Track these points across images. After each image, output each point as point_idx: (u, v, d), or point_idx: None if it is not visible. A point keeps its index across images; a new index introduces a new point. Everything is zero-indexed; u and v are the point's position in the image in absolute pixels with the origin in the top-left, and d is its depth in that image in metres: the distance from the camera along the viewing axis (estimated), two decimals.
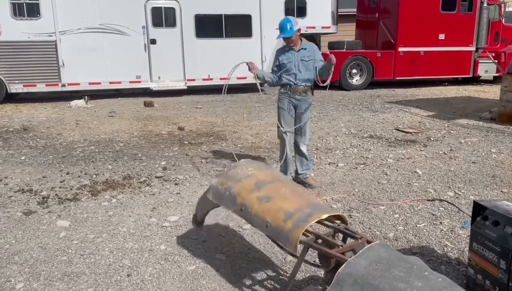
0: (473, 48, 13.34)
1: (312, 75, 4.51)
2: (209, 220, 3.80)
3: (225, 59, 11.53)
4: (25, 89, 10.56)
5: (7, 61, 10.24)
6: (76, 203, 4.25)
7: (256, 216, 2.47)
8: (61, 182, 4.86)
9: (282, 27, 4.37)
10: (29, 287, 2.82)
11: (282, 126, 4.60)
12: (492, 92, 12.10)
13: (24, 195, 4.46)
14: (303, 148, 4.67)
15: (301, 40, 4.55)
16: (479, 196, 4.33)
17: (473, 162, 5.47)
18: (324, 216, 2.34)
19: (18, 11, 10.18)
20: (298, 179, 4.72)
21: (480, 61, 13.51)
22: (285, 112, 4.58)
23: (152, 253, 3.27)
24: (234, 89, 12.21)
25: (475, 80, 14.44)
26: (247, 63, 4.47)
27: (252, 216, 2.49)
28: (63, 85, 10.74)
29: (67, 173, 5.15)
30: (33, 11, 10.29)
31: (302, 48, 4.49)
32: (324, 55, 4.78)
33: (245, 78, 12.01)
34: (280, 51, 4.55)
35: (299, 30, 4.40)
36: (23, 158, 5.83)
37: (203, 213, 3.19)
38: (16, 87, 10.42)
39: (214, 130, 7.49)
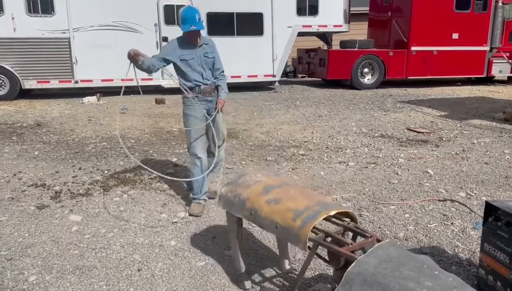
0: (487, 48, 13.18)
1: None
2: (219, 217, 3.82)
3: (236, 57, 11.56)
4: (39, 86, 10.70)
5: (21, 58, 10.38)
6: (88, 198, 4.30)
7: (265, 218, 2.48)
8: (73, 177, 4.92)
9: (191, 18, 3.68)
10: (41, 280, 2.86)
11: (196, 138, 3.92)
12: (506, 92, 11.95)
13: (37, 189, 4.53)
14: (222, 151, 4.19)
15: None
16: (492, 197, 4.29)
17: (485, 163, 5.41)
18: (333, 212, 2.34)
19: (32, 8, 10.30)
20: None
21: (494, 61, 13.34)
22: (197, 120, 3.90)
23: (163, 248, 3.30)
24: (245, 87, 12.24)
25: (489, 80, 14.26)
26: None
27: (261, 219, 2.51)
28: (76, 82, 10.86)
29: (80, 168, 5.22)
30: (47, 8, 10.41)
31: (204, 44, 3.89)
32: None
33: (256, 76, 12.15)
34: (179, 44, 3.83)
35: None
36: (36, 153, 5.91)
37: (237, 249, 2.82)
38: (30, 84, 10.56)
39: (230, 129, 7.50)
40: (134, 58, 3.69)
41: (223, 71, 4.07)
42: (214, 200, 4.14)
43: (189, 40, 3.83)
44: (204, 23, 11.41)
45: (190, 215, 3.90)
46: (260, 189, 2.66)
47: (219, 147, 4.13)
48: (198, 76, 3.86)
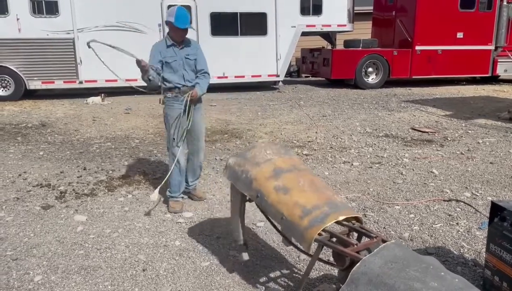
0: (492, 47, 13.10)
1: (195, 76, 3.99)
2: (223, 216, 3.82)
3: (240, 57, 11.58)
4: (44, 86, 10.73)
5: (26, 58, 10.42)
6: (92, 198, 4.31)
7: (272, 206, 2.43)
8: (78, 177, 4.93)
9: (186, 16, 3.77)
10: (47, 280, 2.87)
11: (174, 138, 3.93)
12: (511, 92, 11.87)
13: (43, 189, 4.54)
14: (202, 155, 4.18)
15: None
16: (497, 196, 4.26)
17: (491, 163, 5.38)
18: (341, 218, 2.31)
19: (37, 9, 10.34)
20: (186, 190, 4.23)
21: (499, 60, 13.27)
22: (177, 121, 3.91)
23: (167, 248, 3.30)
24: (248, 87, 12.24)
25: (494, 79, 14.18)
26: (138, 60, 3.76)
27: (268, 206, 2.46)
28: (81, 82, 10.89)
29: (84, 169, 5.23)
30: (52, 9, 10.45)
31: (185, 46, 3.92)
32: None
33: (259, 76, 12.14)
34: (161, 47, 3.88)
35: None
36: (41, 153, 5.94)
37: (238, 223, 2.83)
38: (35, 84, 10.60)
39: (229, 128, 7.51)
40: (143, 68, 3.74)
41: (206, 72, 4.05)
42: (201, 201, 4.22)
43: (175, 39, 3.86)
44: (208, 24, 11.49)
45: (170, 212, 3.96)
46: (270, 171, 2.56)
47: (198, 149, 4.13)
48: (179, 79, 3.89)
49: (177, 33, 3.85)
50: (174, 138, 3.94)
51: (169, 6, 11.12)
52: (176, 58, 3.86)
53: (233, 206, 2.84)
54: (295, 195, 2.41)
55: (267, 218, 3.06)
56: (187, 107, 3.84)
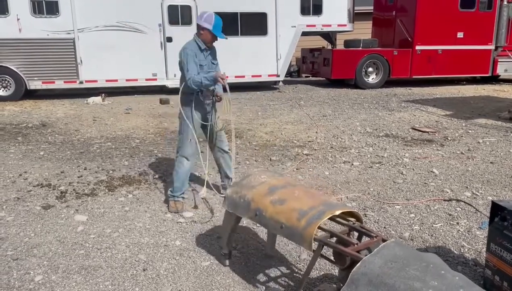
0: (492, 47, 13.10)
1: None
2: (223, 216, 3.82)
3: (240, 57, 11.57)
4: (44, 86, 10.73)
5: (26, 58, 10.42)
6: (93, 198, 4.32)
7: (270, 218, 2.49)
8: (78, 177, 4.94)
9: (221, 26, 3.91)
10: (47, 280, 2.88)
11: (191, 139, 4.00)
12: None
13: (43, 189, 4.55)
14: (228, 149, 4.30)
15: None
16: (497, 196, 4.27)
17: (491, 162, 5.38)
18: (338, 212, 2.34)
19: (37, 9, 10.34)
20: (226, 187, 4.27)
21: (499, 60, 13.27)
22: (197, 122, 4.01)
23: (168, 248, 3.30)
24: (249, 87, 12.24)
25: (494, 79, 14.18)
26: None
27: (267, 220, 2.51)
28: (81, 82, 10.90)
29: (85, 169, 5.23)
30: (52, 9, 10.45)
31: (211, 51, 4.05)
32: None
33: (260, 76, 12.14)
34: (195, 50, 3.90)
35: None
36: (42, 153, 5.94)
37: (227, 236, 2.97)
38: (35, 84, 10.59)
39: (229, 127, 7.50)
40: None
41: None
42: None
43: (207, 44, 3.95)
44: None
45: (170, 212, 3.98)
46: (265, 189, 2.66)
47: (225, 144, 4.31)
48: None
49: (210, 40, 3.94)
50: (191, 140, 4.00)
51: (170, 6, 11.20)
52: (206, 62, 3.97)
53: (226, 228, 3.00)
54: (291, 203, 2.48)
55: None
56: (214, 108, 4.10)
